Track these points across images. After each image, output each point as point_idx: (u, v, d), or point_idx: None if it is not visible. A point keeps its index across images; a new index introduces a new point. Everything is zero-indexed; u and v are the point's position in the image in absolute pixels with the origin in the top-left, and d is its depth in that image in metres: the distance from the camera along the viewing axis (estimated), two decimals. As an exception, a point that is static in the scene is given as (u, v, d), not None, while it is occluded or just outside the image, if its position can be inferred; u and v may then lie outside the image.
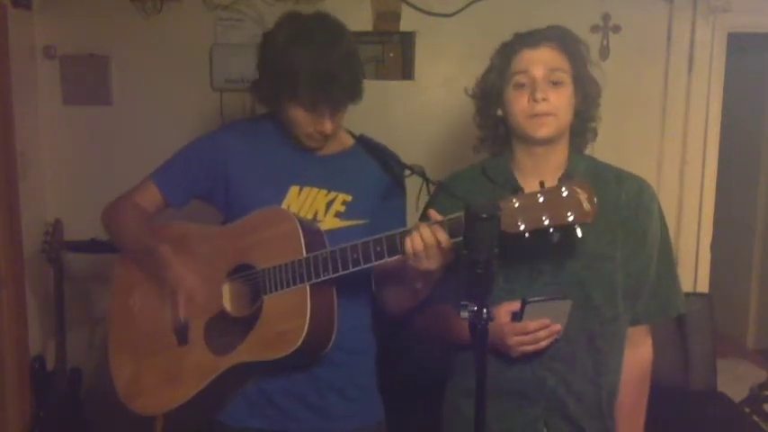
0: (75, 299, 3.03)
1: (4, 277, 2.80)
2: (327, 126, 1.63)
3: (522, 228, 1.29)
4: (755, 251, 4.94)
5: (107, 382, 1.82)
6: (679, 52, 3.06)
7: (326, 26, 1.62)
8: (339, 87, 1.57)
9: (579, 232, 1.30)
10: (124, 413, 1.78)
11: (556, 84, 1.55)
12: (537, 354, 1.58)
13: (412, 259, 1.42)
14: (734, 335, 4.93)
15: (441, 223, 1.41)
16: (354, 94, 1.64)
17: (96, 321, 3.11)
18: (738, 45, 3.19)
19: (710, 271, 3.25)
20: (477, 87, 1.67)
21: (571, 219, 1.29)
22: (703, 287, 3.19)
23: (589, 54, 1.64)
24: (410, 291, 1.57)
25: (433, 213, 1.44)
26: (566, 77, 1.56)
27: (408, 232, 1.43)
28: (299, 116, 1.63)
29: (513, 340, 1.51)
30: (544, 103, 1.54)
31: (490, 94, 1.63)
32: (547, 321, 1.48)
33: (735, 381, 3.29)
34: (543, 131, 1.57)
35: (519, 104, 1.57)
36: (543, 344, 1.51)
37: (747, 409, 3.02)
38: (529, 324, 1.48)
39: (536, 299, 1.48)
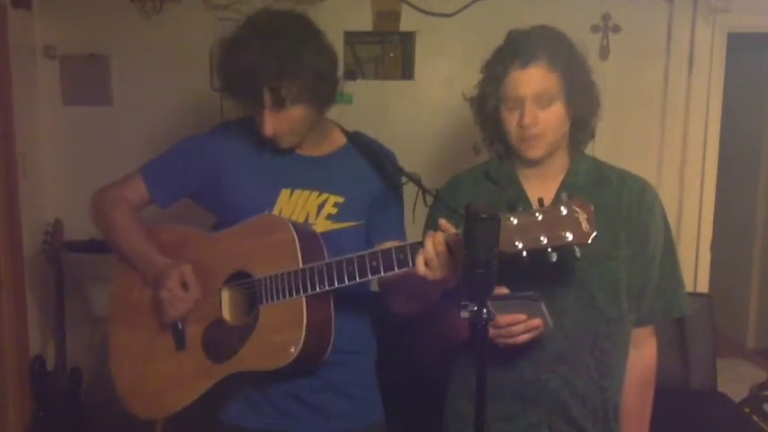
0: (75, 299, 3.03)
1: (4, 277, 2.81)
2: (267, 127, 1.59)
3: (519, 247, 1.26)
4: (755, 251, 4.94)
5: (107, 382, 1.82)
6: (679, 52, 3.07)
7: (269, 25, 1.57)
8: (270, 88, 1.53)
9: (578, 252, 1.27)
10: (124, 413, 1.78)
11: (545, 104, 1.54)
12: (540, 356, 1.58)
13: (422, 273, 1.38)
14: (734, 335, 4.93)
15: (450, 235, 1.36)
16: (302, 95, 1.57)
17: (96, 321, 3.11)
18: (738, 45, 3.19)
19: (710, 271, 3.26)
20: (475, 98, 1.66)
21: (570, 239, 1.26)
22: (703, 287, 3.20)
23: (584, 58, 1.61)
24: (417, 297, 1.56)
25: (444, 224, 1.39)
26: (555, 96, 1.54)
27: (403, 248, 1.41)
28: (249, 114, 1.62)
29: (490, 332, 1.49)
30: (533, 127, 1.54)
31: (487, 108, 1.63)
32: (521, 317, 1.47)
33: (735, 381, 3.29)
34: (534, 153, 1.58)
35: (510, 125, 1.58)
36: (521, 338, 1.49)
37: (747, 409, 3.01)
38: (500, 318, 1.46)
39: (499, 296, 1.43)
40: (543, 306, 1.46)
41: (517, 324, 1.47)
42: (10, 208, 2.83)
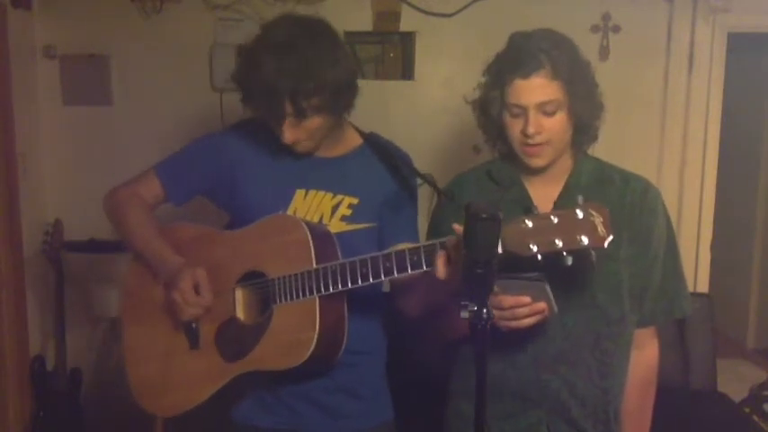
0: (75, 299, 3.02)
1: (4, 277, 2.81)
2: (287, 136, 1.61)
3: (534, 250, 1.24)
4: (755, 251, 4.94)
5: (107, 382, 1.82)
6: (679, 52, 3.06)
7: (286, 38, 1.57)
8: (292, 101, 1.54)
9: (594, 256, 1.26)
10: (124, 413, 1.78)
11: (549, 112, 1.53)
12: (540, 355, 1.58)
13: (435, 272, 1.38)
14: (734, 335, 4.93)
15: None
16: (322, 106, 1.58)
17: (96, 321, 3.11)
18: (738, 45, 3.19)
19: (710, 271, 3.25)
20: (478, 101, 1.66)
21: (586, 243, 1.23)
22: (703, 287, 3.19)
23: (587, 61, 1.60)
24: (426, 297, 1.57)
25: (459, 229, 1.36)
26: (559, 104, 1.53)
27: (417, 250, 1.41)
28: (269, 123, 1.63)
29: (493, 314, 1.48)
30: (537, 135, 1.53)
31: (491, 112, 1.62)
32: (526, 299, 1.44)
33: (735, 381, 3.29)
34: (538, 161, 1.58)
35: (514, 132, 1.57)
36: (526, 321, 1.46)
37: (747, 409, 3.01)
38: (504, 299, 1.44)
39: (504, 275, 1.39)
40: (548, 288, 1.43)
41: (522, 306, 1.45)
42: (10, 208, 2.83)
